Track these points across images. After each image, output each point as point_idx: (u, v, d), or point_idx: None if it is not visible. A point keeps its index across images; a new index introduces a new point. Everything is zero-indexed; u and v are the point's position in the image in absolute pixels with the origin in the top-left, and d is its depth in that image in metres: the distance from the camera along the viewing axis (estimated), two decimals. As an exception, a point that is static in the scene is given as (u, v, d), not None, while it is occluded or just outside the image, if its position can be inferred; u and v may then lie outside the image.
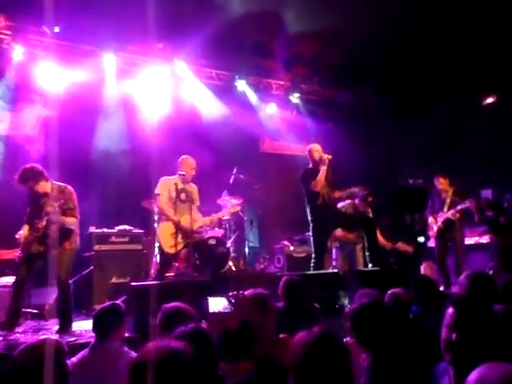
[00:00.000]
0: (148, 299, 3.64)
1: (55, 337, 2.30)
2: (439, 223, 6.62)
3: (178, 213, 5.19)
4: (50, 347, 1.94)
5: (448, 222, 6.57)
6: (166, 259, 5.24)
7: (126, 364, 2.63)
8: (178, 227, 5.12)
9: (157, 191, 5.28)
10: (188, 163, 5.40)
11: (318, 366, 1.57)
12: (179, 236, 5.14)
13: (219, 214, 5.94)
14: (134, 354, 2.75)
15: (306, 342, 1.63)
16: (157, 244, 6.58)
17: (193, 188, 5.46)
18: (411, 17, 7.24)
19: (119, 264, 6.03)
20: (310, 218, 5.95)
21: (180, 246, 5.17)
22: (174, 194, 5.22)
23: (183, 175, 5.33)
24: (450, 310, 1.85)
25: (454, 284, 5.63)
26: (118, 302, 3.16)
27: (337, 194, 6.09)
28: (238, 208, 6.13)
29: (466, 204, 6.44)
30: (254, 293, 2.84)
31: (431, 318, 3.06)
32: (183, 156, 5.48)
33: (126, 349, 2.83)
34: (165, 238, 5.15)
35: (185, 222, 5.18)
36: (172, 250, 5.12)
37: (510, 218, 7.60)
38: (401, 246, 7.26)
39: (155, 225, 5.49)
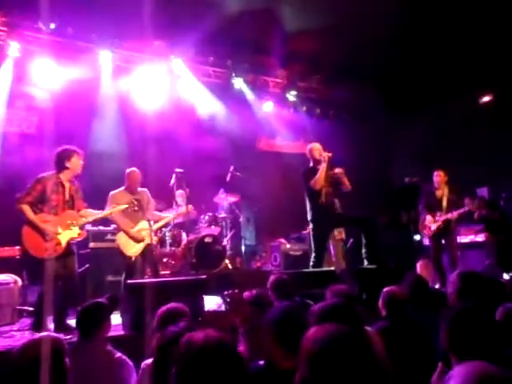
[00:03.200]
0: (144, 297, 3.63)
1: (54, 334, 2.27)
2: (439, 223, 6.58)
3: (133, 222, 5.29)
4: (49, 344, 1.93)
5: (447, 222, 6.56)
6: (129, 263, 5.25)
7: (109, 363, 2.64)
8: (131, 235, 5.23)
9: (107, 207, 5.27)
10: (132, 177, 5.41)
11: (333, 362, 1.51)
12: (134, 242, 5.27)
13: (170, 215, 5.95)
14: (118, 353, 2.74)
15: (320, 337, 1.59)
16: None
17: (142, 194, 5.48)
18: (408, 15, 7.23)
19: (115, 262, 6.01)
20: (310, 216, 5.95)
21: (139, 250, 5.25)
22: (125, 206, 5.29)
23: (128, 189, 5.40)
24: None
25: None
26: (102, 299, 3.11)
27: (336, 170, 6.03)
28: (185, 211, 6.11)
29: (466, 208, 6.44)
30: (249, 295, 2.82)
31: (424, 317, 3.08)
32: (131, 169, 5.47)
33: (109, 347, 2.78)
34: (124, 243, 5.24)
35: (143, 227, 5.29)
36: (132, 254, 5.22)
37: (505, 216, 7.63)
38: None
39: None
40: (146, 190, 5.54)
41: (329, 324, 1.64)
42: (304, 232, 7.95)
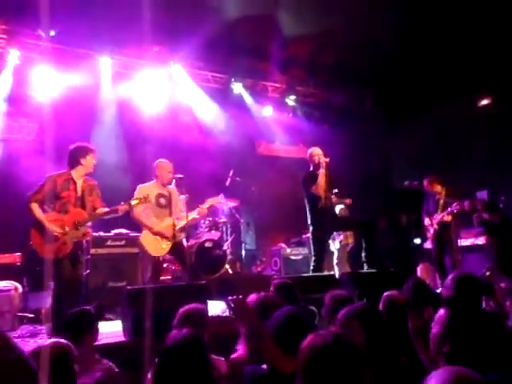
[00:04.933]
0: (144, 303, 3.63)
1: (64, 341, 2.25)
2: (435, 225, 6.66)
3: (159, 218, 5.21)
4: (59, 351, 1.92)
5: (443, 224, 6.61)
6: (156, 263, 5.22)
7: (96, 371, 2.60)
8: (156, 233, 5.13)
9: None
10: (163, 167, 5.35)
11: (328, 371, 1.52)
12: (162, 239, 5.17)
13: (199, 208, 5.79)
14: (105, 361, 2.72)
15: (317, 345, 1.59)
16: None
17: (172, 191, 5.41)
18: (406, 19, 7.26)
19: (116, 268, 6.01)
20: (310, 221, 5.96)
21: (165, 249, 5.18)
22: (152, 201, 5.21)
23: (159, 180, 5.32)
24: (441, 315, 1.84)
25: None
26: (89, 307, 3.08)
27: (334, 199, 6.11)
28: (217, 200, 6.01)
29: (456, 207, 6.48)
30: (255, 300, 2.81)
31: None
32: (158, 160, 5.42)
33: (97, 356, 2.75)
34: (148, 243, 5.16)
35: (166, 225, 5.19)
36: (158, 254, 5.15)
37: (505, 218, 7.63)
38: None
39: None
40: (175, 188, 5.46)
41: (326, 332, 1.65)
42: (304, 236, 7.95)
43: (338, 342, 1.58)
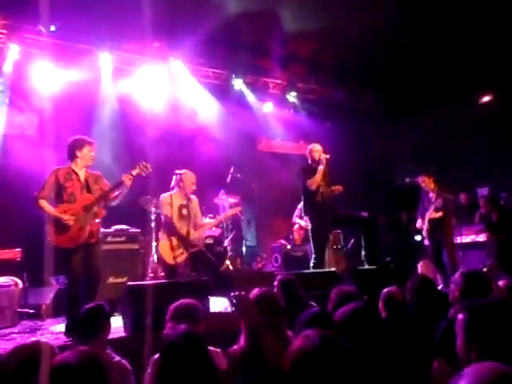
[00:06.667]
0: (145, 299, 3.62)
1: (45, 339, 2.24)
2: (426, 224, 6.64)
3: (180, 227, 5.22)
4: (40, 350, 1.90)
5: (433, 222, 6.57)
6: (170, 270, 5.25)
7: (107, 367, 2.62)
8: (184, 239, 5.17)
9: (164, 212, 5.27)
10: (188, 178, 5.32)
11: (316, 373, 1.50)
12: (179, 248, 5.19)
13: (222, 216, 5.92)
14: (116, 357, 2.70)
15: (303, 348, 1.57)
16: (154, 243, 6.60)
17: (193, 202, 5.42)
18: (407, 16, 7.24)
19: (116, 264, 6.00)
20: (308, 217, 5.95)
21: (182, 258, 5.20)
22: (175, 210, 5.24)
23: (183, 190, 5.31)
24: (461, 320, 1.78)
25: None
26: (102, 302, 3.05)
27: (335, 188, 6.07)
28: (238, 209, 6.07)
29: (438, 202, 6.47)
30: (259, 293, 2.80)
31: (428, 317, 3.06)
32: (183, 170, 5.38)
33: (108, 351, 2.74)
34: (165, 251, 5.18)
35: (187, 234, 5.22)
36: (173, 262, 5.16)
37: (505, 215, 7.62)
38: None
39: (154, 235, 5.47)
40: (196, 199, 5.46)
41: (312, 332, 1.63)
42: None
43: (326, 344, 1.56)
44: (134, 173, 4.54)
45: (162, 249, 5.22)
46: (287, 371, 1.58)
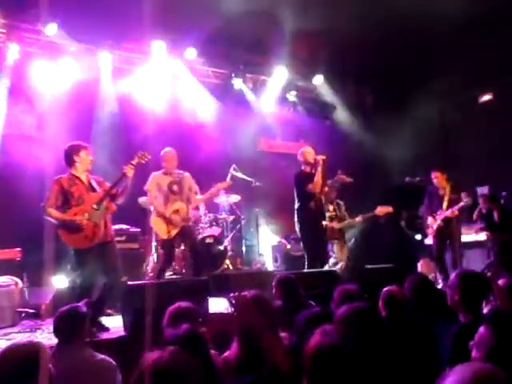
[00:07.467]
0: (144, 299, 3.62)
1: (38, 339, 2.22)
2: (439, 221, 6.56)
3: (170, 202, 5.36)
4: (32, 350, 1.89)
5: (447, 220, 6.54)
6: (167, 246, 5.44)
7: (90, 366, 2.61)
8: (167, 219, 5.29)
9: (146, 187, 5.46)
10: (166, 158, 5.48)
11: (335, 370, 1.51)
12: (171, 223, 5.33)
13: (213, 190, 5.85)
14: (99, 356, 2.70)
15: (324, 345, 1.57)
16: (154, 243, 6.60)
17: (186, 177, 5.52)
18: (407, 14, 7.22)
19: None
20: (299, 218, 5.95)
21: (174, 232, 5.31)
22: (164, 188, 5.41)
23: (166, 169, 5.48)
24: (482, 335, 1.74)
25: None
26: (80, 304, 3.07)
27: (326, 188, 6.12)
28: (226, 184, 6.09)
29: (465, 201, 6.43)
30: (253, 294, 2.80)
31: (427, 317, 3.06)
32: (164, 150, 5.56)
33: (90, 351, 2.74)
34: (159, 226, 5.35)
35: (180, 208, 5.36)
36: (166, 236, 5.30)
37: (506, 215, 7.60)
38: (379, 210, 7.06)
39: (151, 217, 5.56)
40: (188, 174, 5.58)
41: (330, 328, 1.63)
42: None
43: (345, 340, 1.56)
44: (134, 162, 4.61)
45: (156, 225, 5.39)
46: (306, 367, 1.57)
